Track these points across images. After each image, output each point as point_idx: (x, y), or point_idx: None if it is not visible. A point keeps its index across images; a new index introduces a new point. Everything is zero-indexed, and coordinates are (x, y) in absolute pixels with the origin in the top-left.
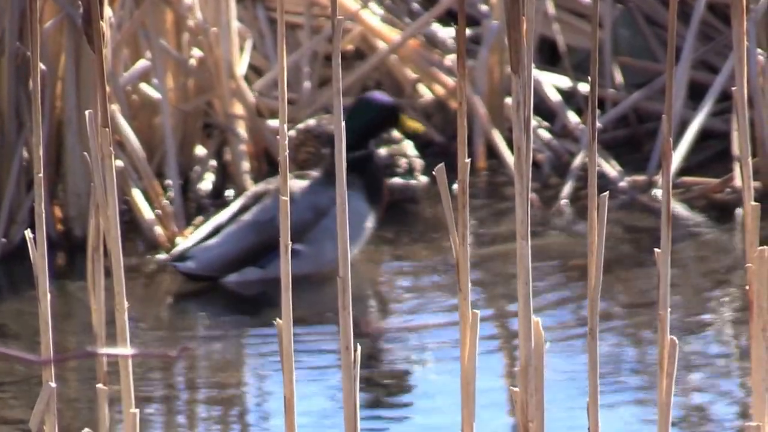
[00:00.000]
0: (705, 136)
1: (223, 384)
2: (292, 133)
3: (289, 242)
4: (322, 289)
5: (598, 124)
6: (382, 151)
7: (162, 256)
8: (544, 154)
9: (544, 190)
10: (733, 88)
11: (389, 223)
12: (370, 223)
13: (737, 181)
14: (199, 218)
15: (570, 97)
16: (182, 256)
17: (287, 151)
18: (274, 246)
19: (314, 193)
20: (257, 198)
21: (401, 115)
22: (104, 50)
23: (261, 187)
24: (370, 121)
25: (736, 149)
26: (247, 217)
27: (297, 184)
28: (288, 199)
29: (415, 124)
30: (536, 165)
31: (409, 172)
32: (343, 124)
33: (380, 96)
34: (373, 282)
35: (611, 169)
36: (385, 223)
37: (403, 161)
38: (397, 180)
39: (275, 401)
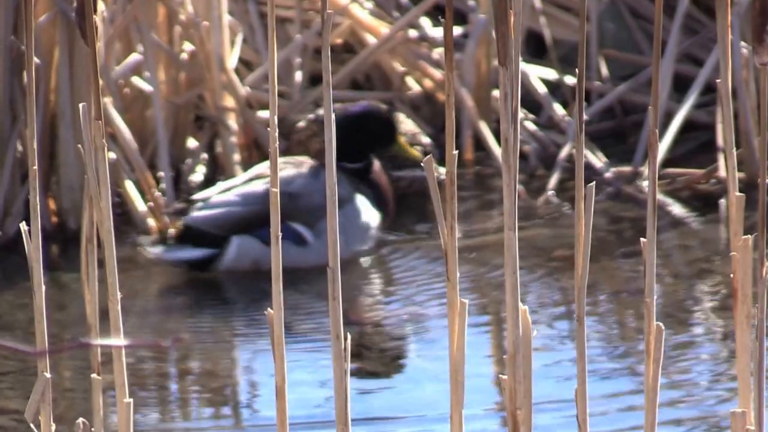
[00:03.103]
0: (689, 127)
1: (215, 373)
2: (302, 124)
3: (280, 233)
4: (314, 278)
5: (584, 116)
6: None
7: (152, 244)
8: (531, 145)
9: (531, 182)
10: (718, 81)
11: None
12: (375, 230)
13: (722, 172)
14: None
15: (556, 89)
16: (188, 210)
17: (277, 142)
18: (282, 218)
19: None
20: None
21: (399, 136)
22: (97, 44)
23: (287, 158)
24: (369, 136)
25: (720, 140)
26: (263, 183)
27: (317, 169)
28: (278, 190)
29: (413, 151)
30: (523, 156)
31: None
32: (334, 126)
33: (382, 113)
34: (366, 271)
35: (597, 160)
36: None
37: (416, 149)
38: (406, 173)
39: (267, 389)
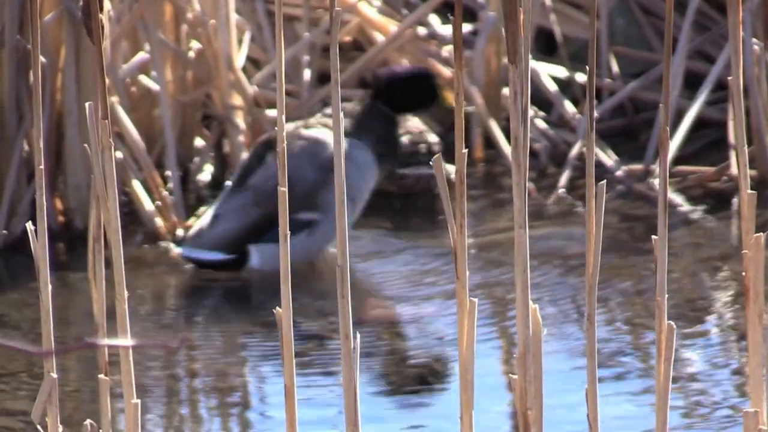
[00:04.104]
0: (701, 125)
1: (224, 373)
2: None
3: (288, 232)
4: (323, 277)
5: (594, 114)
6: (404, 140)
7: (171, 245)
8: (541, 143)
9: (542, 180)
10: (729, 78)
11: (395, 212)
12: (372, 179)
13: (733, 170)
14: (202, 209)
15: (566, 87)
16: (190, 241)
17: (285, 142)
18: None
19: (314, 147)
20: (260, 157)
21: (440, 95)
22: (104, 43)
23: (262, 143)
24: (414, 99)
25: (732, 138)
26: (247, 190)
27: (295, 142)
28: (286, 189)
29: (449, 98)
30: (533, 155)
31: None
32: (343, 125)
33: (430, 77)
34: (376, 270)
35: (608, 158)
36: (390, 212)
37: (422, 147)
38: (412, 170)
39: (276, 390)
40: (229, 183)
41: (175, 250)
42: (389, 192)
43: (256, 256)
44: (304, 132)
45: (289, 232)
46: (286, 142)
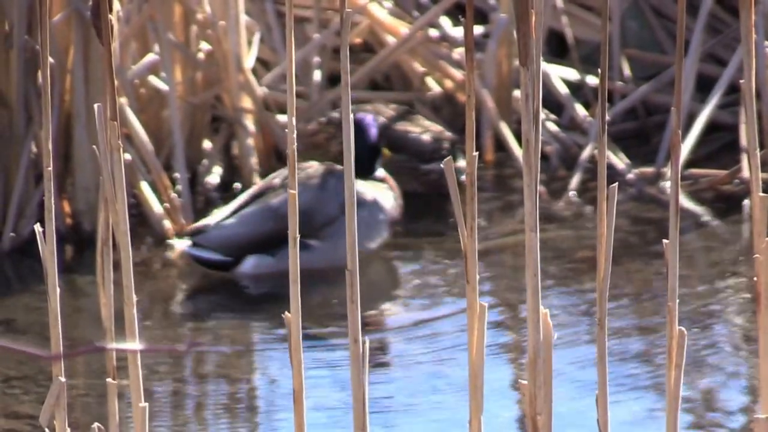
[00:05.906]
0: (713, 128)
1: (232, 377)
2: (314, 126)
3: (298, 235)
4: (332, 281)
5: (606, 117)
6: (426, 137)
7: (174, 239)
8: (552, 146)
9: (552, 183)
10: (741, 81)
11: (413, 212)
12: (381, 238)
13: (745, 173)
14: (214, 212)
15: (578, 89)
16: (198, 232)
17: (295, 144)
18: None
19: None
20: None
21: (383, 150)
22: (113, 44)
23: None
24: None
25: (744, 141)
26: (272, 201)
27: (329, 176)
28: (296, 192)
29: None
30: (544, 157)
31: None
32: (353, 128)
33: (369, 128)
34: (385, 274)
35: (619, 161)
36: (408, 212)
37: (445, 146)
38: (434, 166)
39: (284, 394)
40: (248, 191)
41: (177, 244)
42: (410, 191)
43: (250, 262)
44: (337, 171)
45: (298, 235)
46: (319, 176)
